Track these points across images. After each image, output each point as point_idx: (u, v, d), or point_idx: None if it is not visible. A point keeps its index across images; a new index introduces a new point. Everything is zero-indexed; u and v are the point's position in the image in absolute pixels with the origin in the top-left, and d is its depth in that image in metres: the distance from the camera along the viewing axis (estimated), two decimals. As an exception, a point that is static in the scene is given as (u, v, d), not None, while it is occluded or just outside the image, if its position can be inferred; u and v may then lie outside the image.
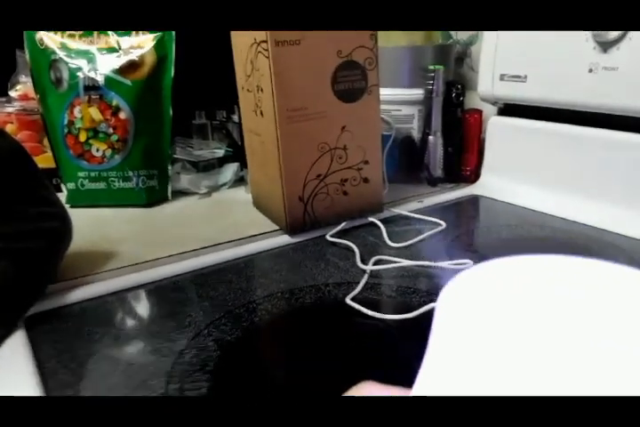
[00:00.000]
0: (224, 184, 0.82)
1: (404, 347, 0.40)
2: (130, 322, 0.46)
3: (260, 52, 0.56)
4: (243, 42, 0.60)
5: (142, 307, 0.49)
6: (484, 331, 0.12)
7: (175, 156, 0.86)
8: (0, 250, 0.45)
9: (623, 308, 0.12)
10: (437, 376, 0.13)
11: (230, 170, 0.82)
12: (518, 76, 0.68)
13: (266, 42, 0.53)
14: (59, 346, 0.42)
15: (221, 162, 0.85)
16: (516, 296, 0.13)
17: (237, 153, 0.82)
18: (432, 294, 0.46)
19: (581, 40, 0.59)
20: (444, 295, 0.14)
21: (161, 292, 0.51)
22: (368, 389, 0.18)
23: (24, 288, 0.47)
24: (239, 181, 0.82)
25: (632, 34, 0.55)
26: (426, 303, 0.44)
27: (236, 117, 0.87)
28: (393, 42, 0.77)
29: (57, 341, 0.43)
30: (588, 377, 0.11)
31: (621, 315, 0.12)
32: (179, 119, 0.79)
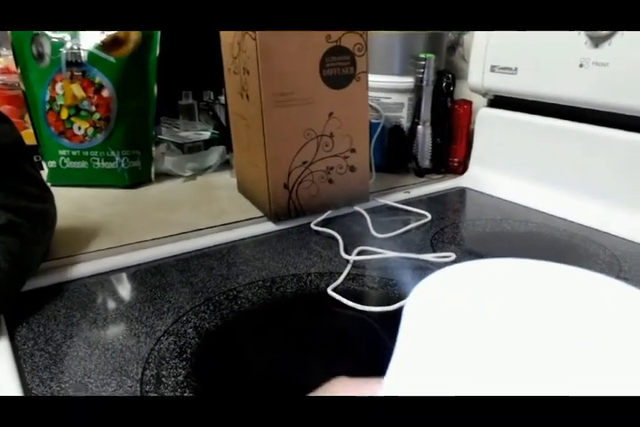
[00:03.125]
0: (209, 167, 0.81)
1: (383, 339, 0.40)
2: (108, 306, 0.45)
3: (247, 33, 0.54)
4: (232, 23, 0.59)
5: (122, 291, 0.49)
6: (449, 331, 0.13)
7: (160, 136, 0.85)
8: (9, 223, 0.44)
9: (586, 311, 0.13)
10: (404, 372, 0.14)
11: (216, 153, 0.81)
12: (509, 69, 0.67)
13: (255, 24, 0.52)
14: (35, 328, 0.42)
15: (207, 144, 0.84)
16: (483, 298, 0.14)
17: (224, 136, 0.81)
18: (414, 287, 0.47)
19: (573, 34, 0.59)
20: (414, 295, 0.15)
21: (141, 276, 0.50)
22: (340, 384, 0.18)
23: (25, 265, 0.46)
24: (225, 164, 0.81)
25: (625, 30, 0.54)
26: (407, 296, 0.44)
27: (223, 99, 0.85)
28: (385, 28, 0.76)
29: (34, 323, 0.42)
30: (546, 375, 0.12)
31: (583, 318, 0.13)
32: (165, 99, 0.77)
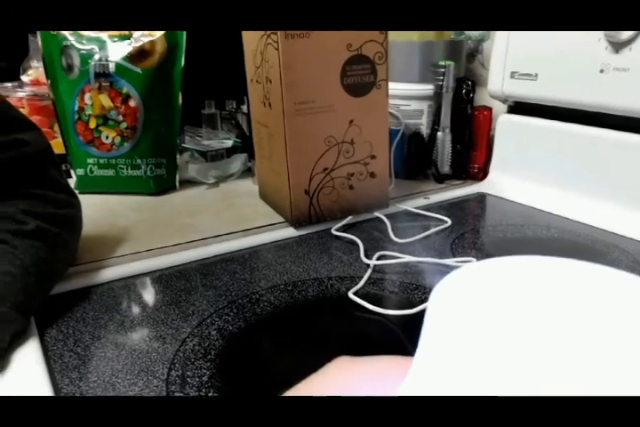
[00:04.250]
0: (232, 175, 0.82)
1: (404, 341, 0.41)
2: (135, 309, 0.47)
3: (269, 43, 0.56)
4: (253, 33, 0.60)
5: (147, 294, 0.50)
6: (473, 328, 0.13)
7: (184, 145, 0.87)
8: (37, 229, 0.45)
9: (612, 311, 0.13)
10: (427, 371, 0.13)
11: (238, 161, 0.83)
12: (529, 75, 0.67)
13: (275, 34, 0.54)
14: (65, 330, 0.43)
15: (230, 152, 0.86)
16: (507, 296, 0.14)
17: (246, 144, 0.82)
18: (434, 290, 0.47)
19: (593, 40, 0.59)
20: (436, 291, 0.14)
21: (166, 280, 0.51)
22: (341, 363, 0.18)
23: (53, 270, 0.47)
24: (247, 172, 0.83)
25: (646, 35, 0.54)
26: (428, 300, 0.44)
27: (245, 108, 0.87)
28: (405, 36, 0.76)
29: (63, 325, 0.44)
30: (572, 376, 0.11)
31: (609, 318, 0.13)
32: (188, 108, 0.79)
